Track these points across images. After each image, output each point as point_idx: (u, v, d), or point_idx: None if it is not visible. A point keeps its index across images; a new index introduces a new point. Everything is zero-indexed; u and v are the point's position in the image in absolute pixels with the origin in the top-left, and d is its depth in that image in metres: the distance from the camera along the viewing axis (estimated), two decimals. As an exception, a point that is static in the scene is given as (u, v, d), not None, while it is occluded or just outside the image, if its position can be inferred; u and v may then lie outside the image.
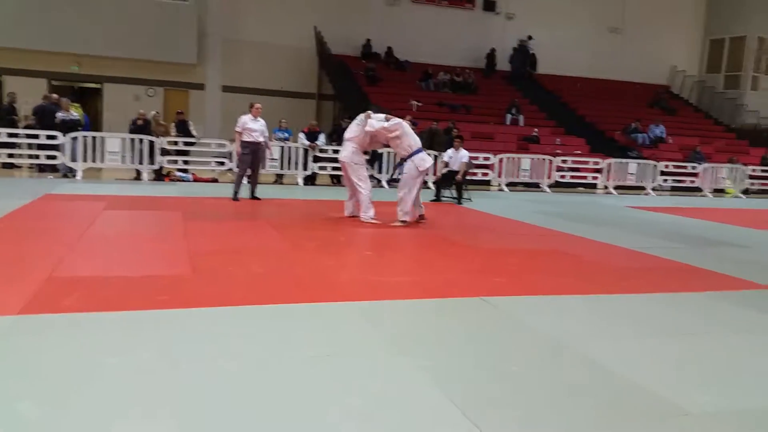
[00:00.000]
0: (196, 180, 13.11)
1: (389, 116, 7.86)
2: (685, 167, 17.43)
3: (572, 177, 16.19)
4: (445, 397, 2.54)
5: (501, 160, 15.24)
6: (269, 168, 13.20)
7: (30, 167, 13.69)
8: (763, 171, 18.28)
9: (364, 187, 7.78)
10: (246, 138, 9.63)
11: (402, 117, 8.38)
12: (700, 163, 17.53)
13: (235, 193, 9.79)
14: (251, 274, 4.61)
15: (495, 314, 3.86)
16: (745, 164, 18.14)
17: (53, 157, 12.31)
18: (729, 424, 2.49)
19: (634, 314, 4.03)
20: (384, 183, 13.84)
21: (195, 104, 19.73)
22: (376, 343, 3.23)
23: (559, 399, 2.62)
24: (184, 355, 2.88)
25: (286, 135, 13.87)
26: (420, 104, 18.24)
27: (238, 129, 9.67)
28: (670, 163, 17.30)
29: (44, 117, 12.94)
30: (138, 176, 12.77)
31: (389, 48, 21.32)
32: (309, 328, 3.40)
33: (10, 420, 2.19)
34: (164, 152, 12.77)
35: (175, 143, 13.11)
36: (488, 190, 14.77)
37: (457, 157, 11.56)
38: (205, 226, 6.95)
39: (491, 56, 22.57)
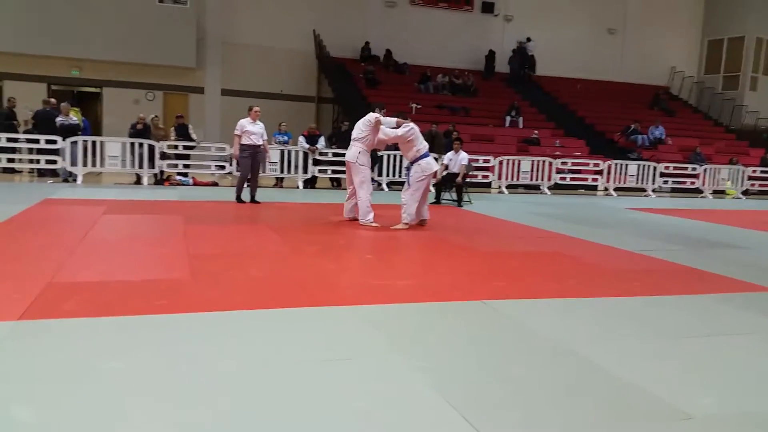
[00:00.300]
0: (196, 184, 13.11)
1: (400, 120, 7.84)
2: (685, 168, 17.43)
3: (572, 179, 16.19)
4: (445, 400, 2.53)
5: (501, 163, 15.24)
6: (269, 171, 13.22)
7: (30, 172, 13.70)
8: (763, 172, 18.28)
9: (365, 189, 7.74)
10: (245, 141, 9.65)
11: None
12: (700, 165, 17.53)
13: (238, 195, 9.86)
14: (251, 278, 4.61)
15: (496, 317, 3.85)
16: (745, 165, 18.14)
17: (53, 162, 12.31)
18: (732, 427, 2.48)
19: (635, 317, 4.02)
20: (384, 186, 13.85)
21: (194, 108, 19.75)
22: (376, 346, 3.22)
23: (560, 402, 2.61)
24: (184, 360, 2.87)
25: (286, 138, 13.87)
26: (419, 107, 18.25)
27: (237, 132, 9.70)
28: (671, 165, 17.29)
29: (43, 122, 12.94)
30: (138, 180, 12.77)
31: (388, 50, 21.34)
32: (310, 332, 3.39)
33: (9, 425, 2.18)
34: (164, 156, 12.77)
35: (175, 147, 13.11)
36: (488, 193, 14.78)
37: (456, 159, 11.56)
38: (204, 230, 6.94)
39: (490, 58, 22.59)
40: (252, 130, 9.67)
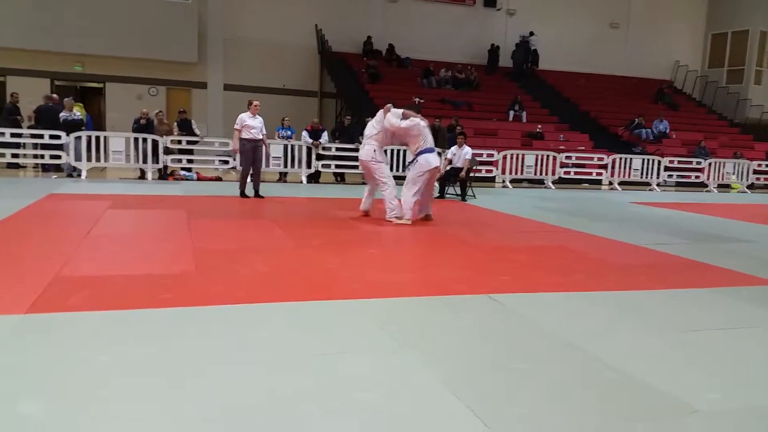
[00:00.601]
0: (200, 179, 13.12)
1: (407, 112, 7.72)
2: (689, 162, 17.38)
3: (576, 173, 16.15)
4: (452, 393, 2.53)
5: (504, 157, 15.21)
6: (273, 166, 13.22)
7: (34, 167, 13.73)
8: (768, 166, 18.24)
9: (389, 184, 7.70)
10: (245, 135, 9.69)
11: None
12: (704, 159, 17.47)
13: (242, 191, 9.89)
14: (256, 272, 4.61)
15: (501, 311, 3.85)
16: (750, 159, 18.08)
17: (57, 157, 12.33)
18: (737, 421, 2.47)
19: (640, 311, 4.01)
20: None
21: (197, 103, 19.76)
22: (382, 339, 3.22)
23: (566, 395, 2.61)
24: (189, 353, 2.88)
25: (289, 133, 13.86)
26: (422, 101, 18.18)
27: (237, 127, 9.72)
28: (675, 159, 17.25)
29: (45, 117, 12.95)
30: (142, 175, 12.79)
31: (390, 45, 21.30)
32: (314, 326, 3.39)
33: (16, 418, 2.19)
34: (167, 151, 12.78)
35: (179, 142, 13.11)
36: (492, 187, 14.75)
37: (460, 154, 11.55)
38: (209, 224, 6.95)
39: (493, 52, 22.53)
40: (252, 124, 9.69)
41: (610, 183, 16.40)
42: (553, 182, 15.64)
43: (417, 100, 17.52)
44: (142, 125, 12.93)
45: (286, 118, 14.14)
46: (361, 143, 13.88)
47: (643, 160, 16.68)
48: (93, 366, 2.68)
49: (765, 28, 24.25)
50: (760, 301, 4.35)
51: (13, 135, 12.41)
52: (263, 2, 19.86)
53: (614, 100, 22.05)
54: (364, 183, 14.03)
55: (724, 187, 17.69)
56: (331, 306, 3.81)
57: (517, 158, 15.37)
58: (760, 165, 18.03)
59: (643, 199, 13.21)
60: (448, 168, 11.66)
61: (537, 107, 20.48)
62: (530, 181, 16.00)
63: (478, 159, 13.63)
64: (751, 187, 17.74)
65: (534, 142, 17.61)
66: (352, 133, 14.19)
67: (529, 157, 15.51)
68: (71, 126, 12.47)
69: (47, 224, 6.54)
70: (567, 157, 15.98)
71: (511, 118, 19.32)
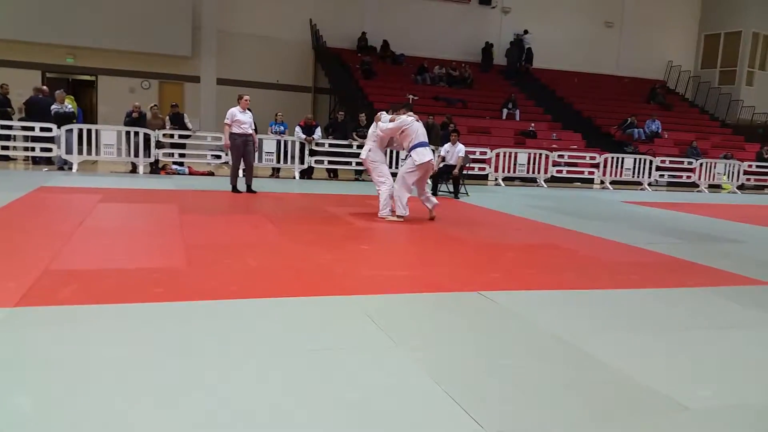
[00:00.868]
0: (192, 173, 13.07)
1: (394, 117, 7.79)
2: (681, 162, 17.46)
3: (569, 172, 16.20)
4: (443, 390, 2.53)
5: (497, 155, 15.23)
6: (265, 161, 13.18)
7: (25, 159, 13.62)
8: (758, 167, 18.34)
9: (385, 184, 7.77)
10: (235, 130, 9.68)
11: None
12: (696, 159, 17.56)
13: (234, 185, 9.87)
14: (247, 268, 4.59)
15: (492, 308, 3.85)
16: (741, 160, 18.18)
17: (48, 150, 12.24)
18: (728, 419, 2.48)
19: (630, 309, 4.03)
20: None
21: (190, 97, 19.66)
22: (373, 336, 3.21)
23: (558, 393, 2.61)
24: (179, 348, 2.86)
25: (282, 128, 13.82)
26: (416, 98, 18.21)
27: (227, 121, 9.70)
28: (667, 158, 17.33)
29: (34, 109, 12.85)
30: (134, 169, 12.72)
31: (385, 41, 21.26)
32: (305, 322, 3.38)
33: (4, 412, 2.17)
34: (159, 145, 12.71)
35: (171, 136, 13.04)
36: (485, 185, 14.77)
37: (453, 151, 11.56)
38: (201, 219, 6.92)
39: (487, 50, 22.53)
40: (242, 119, 9.68)
41: (602, 182, 16.46)
42: (546, 181, 15.68)
43: (411, 97, 17.57)
44: (134, 119, 12.86)
45: (279, 114, 14.10)
46: (353, 139, 13.99)
47: (635, 159, 16.76)
48: (82, 359, 2.66)
49: (758, 29, 24.36)
50: (750, 301, 4.37)
51: (3, 127, 12.32)
52: (258, -3, 19.78)
53: (607, 99, 22.11)
54: (357, 179, 14.11)
55: (715, 187, 17.79)
56: (323, 302, 3.80)
57: (509, 156, 15.39)
58: (750, 166, 18.14)
59: (634, 198, 13.27)
60: (441, 165, 11.66)
61: (530, 105, 20.51)
62: (523, 179, 16.04)
63: (471, 157, 13.65)
64: (741, 187, 17.85)
65: (527, 141, 17.64)
66: (345, 130, 14.17)
67: (522, 156, 15.55)
68: (62, 118, 12.38)
69: (37, 217, 6.49)
70: (559, 156, 16.03)
71: (504, 116, 19.34)
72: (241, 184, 9.96)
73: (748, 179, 18.19)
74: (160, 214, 7.22)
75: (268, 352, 2.90)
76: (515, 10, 23.01)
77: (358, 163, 14.02)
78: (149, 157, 12.64)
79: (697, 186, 17.36)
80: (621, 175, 16.49)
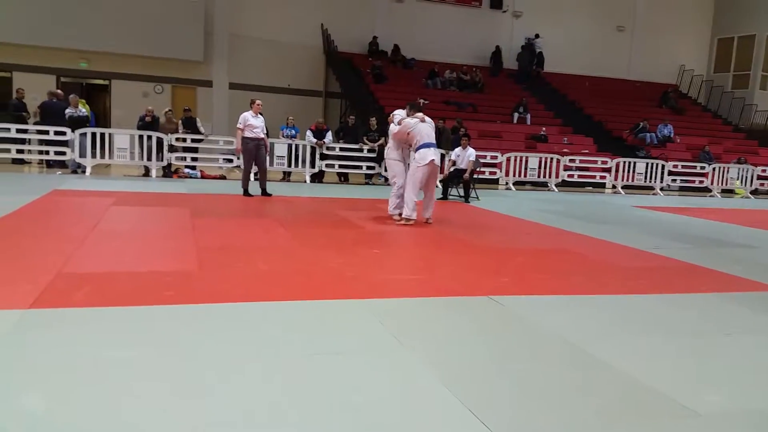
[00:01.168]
0: (204, 177, 13.15)
1: (401, 120, 7.83)
2: (693, 167, 17.35)
3: (580, 176, 16.13)
4: (452, 395, 2.54)
5: (508, 159, 15.20)
6: (276, 165, 13.24)
7: (39, 163, 13.77)
8: (772, 171, 18.17)
9: (397, 183, 7.85)
10: (248, 134, 9.77)
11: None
12: (708, 163, 17.44)
13: (245, 189, 9.93)
14: (258, 271, 4.62)
15: (502, 313, 3.85)
16: (755, 165, 18.03)
17: (62, 153, 12.37)
18: (739, 424, 2.47)
19: (641, 314, 4.02)
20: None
21: (202, 101, 19.79)
22: (383, 339, 3.22)
23: (568, 398, 2.61)
24: (190, 350, 2.89)
25: (293, 132, 13.88)
26: (427, 102, 18.22)
27: (240, 126, 9.78)
28: (679, 163, 17.21)
29: (48, 114, 12.99)
30: (146, 173, 12.82)
31: (396, 46, 21.31)
32: (315, 325, 3.40)
33: (18, 413, 2.20)
34: (172, 149, 12.81)
35: (183, 140, 13.14)
36: (495, 189, 14.75)
37: (464, 155, 11.57)
38: (212, 222, 6.97)
39: (497, 54, 22.51)
40: (255, 123, 9.78)
41: (614, 186, 16.38)
42: (557, 185, 15.63)
43: (421, 101, 17.59)
44: (147, 123, 12.96)
45: (290, 118, 14.16)
46: (363, 143, 14.07)
47: (647, 164, 16.66)
48: (94, 362, 2.69)
49: (771, 33, 24.18)
50: (762, 307, 4.34)
51: (18, 131, 12.46)
52: (269, 1, 19.89)
53: (619, 103, 22.01)
54: (367, 183, 14.14)
55: (728, 192, 17.64)
56: (332, 305, 3.82)
57: (520, 161, 15.36)
58: (764, 171, 17.97)
59: (646, 203, 13.20)
60: (451, 169, 11.67)
61: (541, 110, 20.46)
62: (533, 183, 16.00)
63: (482, 161, 13.64)
64: (754, 192, 17.69)
65: (538, 145, 17.59)
66: (356, 134, 14.21)
67: (533, 160, 15.51)
68: (76, 122, 12.51)
69: (51, 220, 6.56)
70: (571, 160, 15.97)
71: (515, 121, 19.31)
72: (254, 188, 10.02)
73: (762, 184, 18.02)
74: (173, 217, 7.28)
75: (278, 355, 2.92)
76: (526, 14, 22.99)
77: (368, 167, 14.07)
78: (162, 160, 12.74)
79: (710, 191, 17.23)
80: (633, 180, 16.41)
